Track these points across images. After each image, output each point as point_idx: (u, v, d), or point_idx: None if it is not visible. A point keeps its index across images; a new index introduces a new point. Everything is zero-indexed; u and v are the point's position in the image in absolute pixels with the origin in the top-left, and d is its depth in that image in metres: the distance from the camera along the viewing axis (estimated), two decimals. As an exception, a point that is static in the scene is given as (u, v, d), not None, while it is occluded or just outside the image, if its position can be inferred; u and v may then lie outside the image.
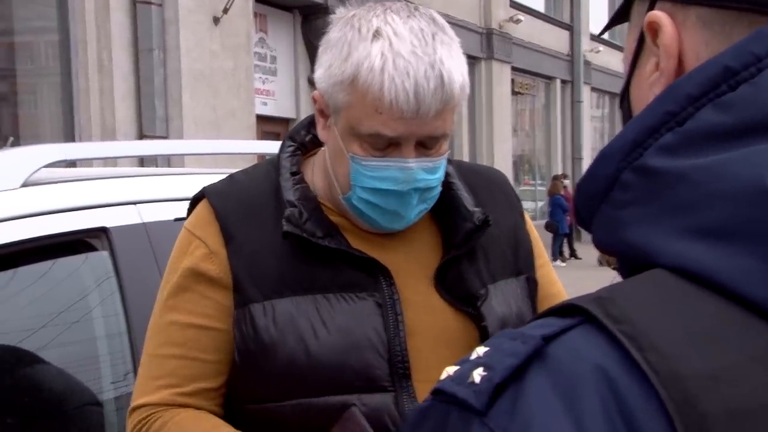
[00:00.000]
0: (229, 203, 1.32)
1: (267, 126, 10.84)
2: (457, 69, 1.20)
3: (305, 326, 1.23)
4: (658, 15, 0.60)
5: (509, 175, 16.64)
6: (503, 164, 16.69)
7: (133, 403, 1.30)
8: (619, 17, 0.70)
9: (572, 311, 0.53)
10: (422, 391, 1.24)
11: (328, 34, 1.25)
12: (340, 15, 1.26)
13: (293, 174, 1.33)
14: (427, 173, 1.24)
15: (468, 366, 0.53)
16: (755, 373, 0.47)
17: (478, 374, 0.51)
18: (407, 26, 1.19)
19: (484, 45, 15.98)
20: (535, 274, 1.43)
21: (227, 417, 1.29)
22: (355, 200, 1.27)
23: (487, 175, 1.47)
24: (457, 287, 1.31)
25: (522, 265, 1.40)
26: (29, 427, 1.75)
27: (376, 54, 1.17)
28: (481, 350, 0.54)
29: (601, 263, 11.68)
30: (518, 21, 16.74)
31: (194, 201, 1.38)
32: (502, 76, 16.66)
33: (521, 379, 0.50)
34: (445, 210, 1.35)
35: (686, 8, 0.59)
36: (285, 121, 11.40)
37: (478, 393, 0.50)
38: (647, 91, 0.62)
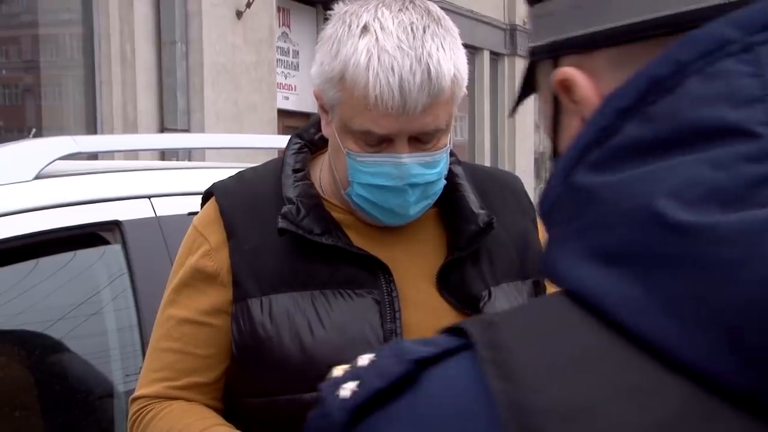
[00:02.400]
0: (234, 200, 1.33)
1: (288, 120, 10.84)
2: (447, 62, 1.18)
3: (301, 322, 1.23)
4: (567, 71, 0.56)
5: (531, 171, 16.60)
6: (525, 160, 16.62)
7: (134, 394, 1.34)
8: (525, 88, 0.66)
9: (459, 333, 0.50)
10: None
11: (324, 30, 1.25)
12: (336, 10, 1.25)
13: (296, 171, 1.33)
14: (424, 168, 1.23)
15: (349, 373, 0.52)
16: (618, 412, 0.44)
17: (350, 388, 0.50)
18: (397, 20, 1.17)
19: (508, 41, 15.91)
20: (544, 280, 1.40)
21: (228, 410, 1.31)
22: (354, 196, 1.26)
23: (501, 180, 1.46)
24: (459, 289, 1.30)
25: (530, 270, 1.38)
26: (43, 416, 1.75)
27: (362, 50, 1.16)
28: (366, 359, 0.52)
29: None
30: (542, 17, 16.63)
31: (205, 197, 1.39)
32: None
33: (386, 405, 0.49)
34: (451, 211, 1.34)
35: (592, 55, 0.56)
36: (306, 116, 11.39)
37: (341, 408, 0.50)
38: None
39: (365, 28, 1.17)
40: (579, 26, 0.56)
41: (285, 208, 1.27)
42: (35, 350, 1.83)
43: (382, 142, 1.21)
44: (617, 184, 0.50)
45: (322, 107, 1.29)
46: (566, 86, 0.57)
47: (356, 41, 1.17)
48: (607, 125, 0.52)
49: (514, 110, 0.75)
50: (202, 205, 1.39)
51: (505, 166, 15.13)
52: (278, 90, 10.23)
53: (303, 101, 11.30)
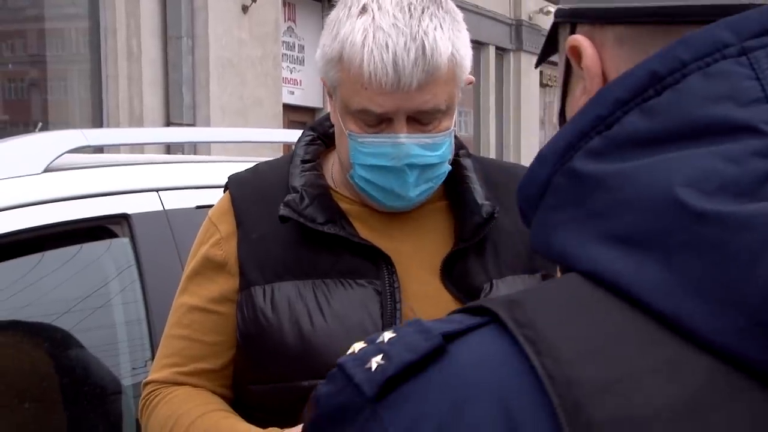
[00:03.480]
0: (245, 191, 1.35)
1: (294, 115, 10.84)
2: (445, 41, 1.19)
3: (301, 310, 1.25)
4: (578, 38, 0.61)
5: (536, 167, 16.56)
6: (530, 156, 16.57)
7: (145, 379, 1.38)
8: (548, 46, 0.71)
9: (482, 312, 0.53)
10: None
11: (328, 16, 1.27)
12: None
13: (304, 162, 1.35)
14: (424, 149, 1.23)
15: (371, 349, 0.54)
16: (649, 384, 0.47)
17: (376, 361, 0.52)
18: (394, 1, 1.19)
19: (513, 36, 15.88)
20: (554, 274, 1.41)
21: (236, 398, 1.34)
22: (357, 178, 1.28)
23: (512, 172, 1.46)
24: (462, 280, 1.31)
25: (539, 264, 1.39)
26: (51, 410, 1.76)
27: (358, 29, 1.18)
28: (387, 335, 0.54)
29: None
30: (548, 12, 16.60)
31: (225, 189, 1.41)
32: (530, 67, 16.54)
33: (416, 376, 0.51)
34: (459, 203, 1.35)
35: (603, 29, 0.60)
36: (311, 111, 11.40)
37: (370, 381, 0.51)
38: None
39: (363, 9, 1.20)
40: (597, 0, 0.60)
41: (288, 197, 1.29)
42: (44, 342, 1.84)
43: (381, 123, 1.22)
44: (627, 172, 0.52)
45: (329, 93, 1.31)
46: (576, 52, 0.61)
47: (354, 21, 1.19)
48: (605, 114, 0.55)
49: (538, 65, 0.81)
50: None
51: (511, 161, 15.11)
52: (283, 84, 10.22)
53: (308, 96, 11.29)
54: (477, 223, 1.31)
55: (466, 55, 1.23)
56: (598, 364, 0.47)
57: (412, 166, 1.23)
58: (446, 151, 1.27)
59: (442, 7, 1.21)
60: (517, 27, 15.90)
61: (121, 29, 8.03)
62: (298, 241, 1.28)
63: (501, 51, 15.42)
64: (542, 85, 17.63)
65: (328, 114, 1.42)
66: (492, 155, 14.97)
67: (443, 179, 1.30)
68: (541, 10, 16.48)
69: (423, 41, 1.16)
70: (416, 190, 1.27)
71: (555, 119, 0.65)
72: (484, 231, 1.32)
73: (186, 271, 1.37)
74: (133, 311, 1.85)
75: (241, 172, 1.41)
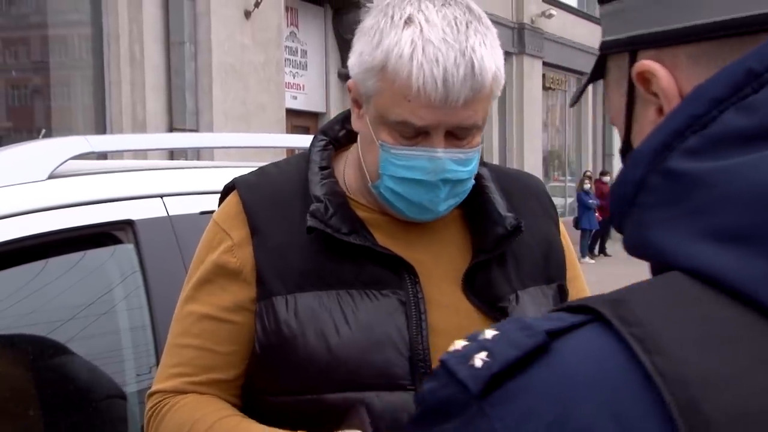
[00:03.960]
0: (257, 195, 1.31)
1: (296, 120, 10.85)
2: (490, 58, 1.18)
3: (327, 321, 1.22)
4: (648, 64, 0.61)
5: (539, 171, 16.57)
6: (533, 160, 16.59)
7: (151, 389, 1.33)
8: (595, 76, 0.71)
9: (583, 310, 0.53)
10: None
11: (363, 22, 1.25)
12: (376, 3, 1.25)
13: (322, 168, 1.33)
14: (458, 165, 1.23)
15: (474, 346, 0.54)
16: (762, 378, 0.47)
17: (480, 358, 0.53)
18: (441, 14, 1.18)
19: (516, 40, 15.89)
20: (566, 284, 1.41)
21: (247, 407, 1.30)
22: (383, 189, 1.26)
23: (523, 181, 1.46)
24: (486, 291, 1.29)
25: (554, 273, 1.38)
26: (55, 418, 1.76)
27: (406, 41, 1.16)
28: (490, 333, 0.55)
29: None
30: (550, 16, 16.62)
31: (225, 192, 1.38)
32: (533, 71, 16.55)
33: (520, 373, 0.51)
34: (477, 213, 1.34)
35: (673, 50, 0.61)
36: (314, 116, 11.41)
37: (476, 378, 0.52)
38: None
39: (409, 20, 1.18)
40: (661, 23, 0.61)
41: (313, 206, 1.26)
42: (48, 350, 1.83)
43: (417, 135, 1.21)
44: (728, 169, 0.53)
45: (355, 100, 1.28)
46: (645, 78, 0.62)
47: (400, 32, 1.17)
48: (701, 113, 0.56)
49: (576, 101, 0.80)
50: (221, 200, 1.38)
51: (513, 165, 15.11)
52: (286, 90, 10.24)
53: (311, 101, 11.31)
54: (500, 234, 1.30)
55: (503, 72, 1.23)
56: (710, 360, 0.48)
57: (446, 181, 1.22)
58: (475, 166, 1.27)
59: (482, 23, 1.21)
60: (519, 30, 15.91)
61: (123, 35, 8.05)
62: (319, 250, 1.26)
63: (503, 55, 15.42)
64: (545, 88, 17.63)
65: (337, 118, 1.41)
66: (495, 158, 14.97)
67: (467, 194, 1.30)
68: (543, 14, 16.48)
69: (472, 58, 1.15)
70: (445, 204, 1.26)
71: (618, 147, 0.65)
72: (510, 243, 1.31)
73: (192, 279, 1.32)
74: (137, 317, 1.85)
75: (246, 174, 1.37)
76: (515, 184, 1.42)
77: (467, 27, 1.17)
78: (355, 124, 1.31)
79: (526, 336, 0.52)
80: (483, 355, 0.53)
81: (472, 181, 1.28)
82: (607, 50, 0.67)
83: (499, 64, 1.21)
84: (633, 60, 0.63)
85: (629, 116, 0.65)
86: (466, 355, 0.54)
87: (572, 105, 0.88)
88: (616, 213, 0.62)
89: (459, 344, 0.55)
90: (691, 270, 0.52)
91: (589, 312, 0.53)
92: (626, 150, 0.67)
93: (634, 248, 0.59)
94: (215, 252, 1.30)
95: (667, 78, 0.60)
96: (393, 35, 1.17)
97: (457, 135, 1.21)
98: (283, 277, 1.25)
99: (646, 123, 0.62)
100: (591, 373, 0.49)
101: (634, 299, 0.52)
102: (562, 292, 1.39)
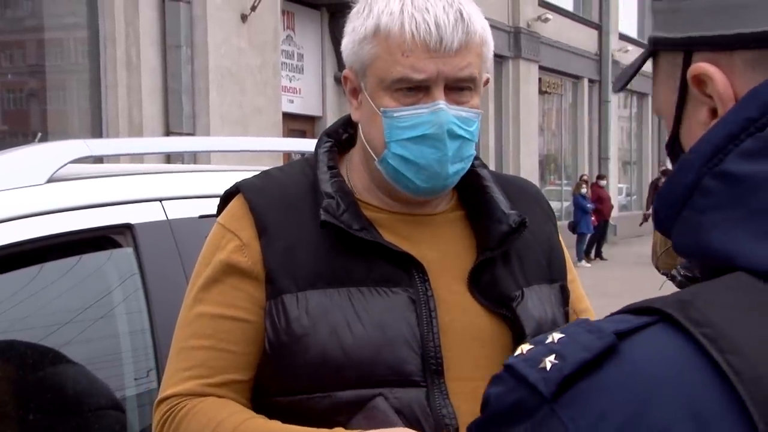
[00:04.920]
0: (263, 196, 1.32)
1: (293, 124, 10.85)
2: (477, 14, 1.25)
3: (339, 319, 1.23)
4: (704, 66, 0.62)
5: (535, 174, 16.58)
6: (529, 164, 16.61)
7: (160, 395, 1.29)
8: (639, 69, 0.72)
9: (649, 312, 0.54)
10: (454, 389, 1.24)
11: (352, 10, 1.30)
12: None
13: (330, 168, 1.34)
14: (461, 122, 1.25)
15: (541, 349, 0.55)
16: None
17: (549, 361, 0.53)
18: None
19: (512, 44, 15.90)
20: (567, 285, 1.43)
21: (256, 410, 1.27)
22: (390, 158, 1.27)
23: (522, 186, 1.48)
24: (492, 289, 1.31)
25: (555, 274, 1.40)
26: (51, 425, 1.76)
27: (395, 2, 1.23)
28: (557, 336, 0.55)
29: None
30: (546, 20, 16.64)
31: (227, 196, 1.37)
32: (529, 75, 16.57)
33: (592, 374, 0.52)
34: (480, 212, 1.35)
35: (730, 54, 0.61)
36: (311, 119, 11.41)
37: (547, 380, 0.52)
38: None
39: None
40: (722, 26, 0.62)
41: (325, 202, 1.27)
42: (48, 354, 1.83)
43: (419, 92, 1.24)
44: None
45: (352, 90, 1.31)
46: (701, 80, 0.62)
47: None
48: (756, 117, 0.57)
49: (623, 87, 0.81)
50: (223, 203, 1.37)
51: (510, 169, 15.14)
52: (283, 93, 10.24)
53: (307, 104, 11.31)
54: (504, 232, 1.31)
55: (491, 37, 1.29)
56: None
57: (452, 135, 1.24)
58: (476, 131, 1.29)
59: None
60: (515, 34, 15.93)
61: (120, 38, 8.05)
62: (329, 248, 1.26)
63: (499, 58, 15.45)
64: (541, 92, 17.65)
65: (341, 121, 1.43)
66: (491, 162, 14.98)
67: (470, 163, 1.32)
68: (539, 18, 16.50)
69: (459, 8, 1.22)
70: (453, 168, 1.27)
71: (665, 146, 0.66)
72: (514, 240, 1.33)
73: (198, 281, 1.31)
74: (137, 321, 1.85)
75: (250, 178, 1.37)
76: (514, 188, 1.44)
77: None
78: (355, 114, 1.33)
79: (596, 338, 0.53)
80: (552, 357, 0.53)
81: (474, 150, 1.31)
82: (660, 46, 0.67)
83: (486, 27, 1.27)
84: (687, 59, 0.64)
85: (679, 113, 0.66)
86: (534, 358, 0.54)
87: (618, 91, 0.89)
88: (663, 216, 0.63)
89: (524, 348, 0.56)
90: (756, 270, 0.53)
91: (655, 313, 0.53)
92: (673, 144, 0.67)
93: (689, 251, 0.60)
94: (223, 252, 1.29)
95: (724, 82, 0.61)
96: (381, 2, 1.24)
97: (455, 89, 1.24)
98: (294, 276, 1.25)
99: (696, 123, 0.63)
100: (664, 373, 0.50)
101: (702, 300, 0.53)
102: (564, 292, 1.40)
